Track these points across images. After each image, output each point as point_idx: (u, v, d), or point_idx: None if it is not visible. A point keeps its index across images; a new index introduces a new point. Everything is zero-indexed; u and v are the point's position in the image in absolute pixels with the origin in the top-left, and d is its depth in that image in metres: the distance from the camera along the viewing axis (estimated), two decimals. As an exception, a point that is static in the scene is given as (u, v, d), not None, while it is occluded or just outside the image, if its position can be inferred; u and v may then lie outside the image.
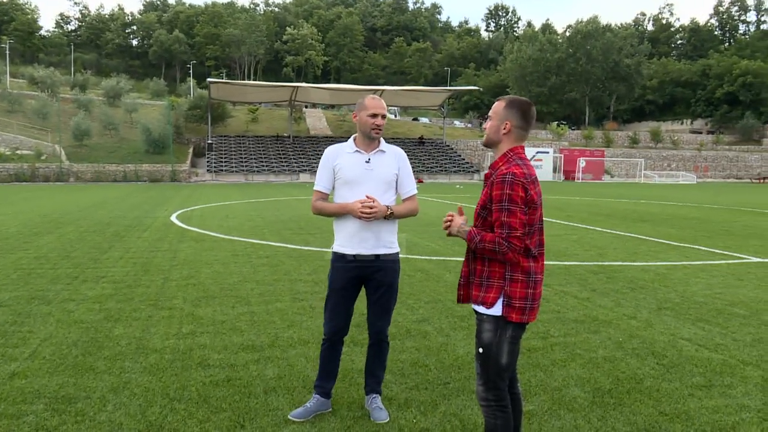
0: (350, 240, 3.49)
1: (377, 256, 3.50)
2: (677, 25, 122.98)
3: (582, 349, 4.87)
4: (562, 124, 71.95)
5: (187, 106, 57.66)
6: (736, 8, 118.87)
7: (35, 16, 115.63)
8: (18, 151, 44.99)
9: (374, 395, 3.70)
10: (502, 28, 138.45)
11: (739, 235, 12.58)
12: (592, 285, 7.35)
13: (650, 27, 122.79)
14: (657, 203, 22.79)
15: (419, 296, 6.63)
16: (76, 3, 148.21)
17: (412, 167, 3.75)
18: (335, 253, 3.57)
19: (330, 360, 3.67)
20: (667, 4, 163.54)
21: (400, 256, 3.65)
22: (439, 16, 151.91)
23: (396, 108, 68.36)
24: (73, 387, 3.99)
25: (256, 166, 48.32)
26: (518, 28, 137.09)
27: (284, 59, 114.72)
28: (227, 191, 29.64)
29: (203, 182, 42.86)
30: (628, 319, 5.79)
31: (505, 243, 2.56)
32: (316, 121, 65.27)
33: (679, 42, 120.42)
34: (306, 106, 67.03)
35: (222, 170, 46.78)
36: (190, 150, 51.18)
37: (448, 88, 66.38)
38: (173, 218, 15.20)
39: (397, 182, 3.57)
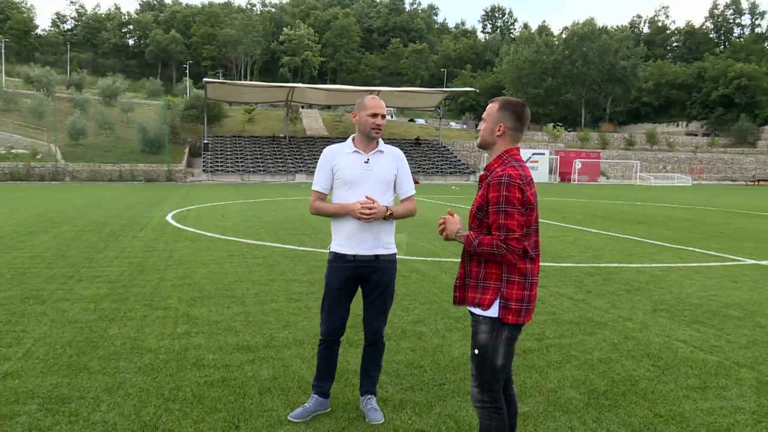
0: (349, 240, 3.48)
1: (377, 256, 3.50)
2: (673, 27, 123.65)
3: (577, 351, 4.87)
4: (558, 125, 72.14)
5: (183, 106, 57.55)
6: (731, 11, 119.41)
7: (31, 15, 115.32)
8: (13, 150, 44.86)
9: (369, 396, 3.69)
10: (498, 29, 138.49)
11: (734, 237, 12.62)
12: (587, 286, 7.36)
13: (646, 29, 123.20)
14: (652, 205, 22.85)
15: (415, 297, 6.60)
16: (72, 2, 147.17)
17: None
18: (333, 253, 3.56)
19: (327, 360, 3.66)
20: (663, 7, 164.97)
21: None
22: (435, 18, 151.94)
23: (392, 109, 68.43)
24: (67, 387, 3.98)
25: (252, 167, 48.29)
26: (515, 29, 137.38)
27: (281, 60, 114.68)
28: (223, 191, 29.60)
29: (199, 182, 42.80)
30: (624, 321, 5.80)
31: (503, 245, 2.56)
32: (313, 122, 65.29)
33: (675, 44, 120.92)
34: (302, 107, 66.99)
35: (218, 170, 46.73)
36: (186, 150, 51.08)
37: (444, 89, 66.52)
38: (169, 218, 15.17)
39: (395, 183, 3.57)
